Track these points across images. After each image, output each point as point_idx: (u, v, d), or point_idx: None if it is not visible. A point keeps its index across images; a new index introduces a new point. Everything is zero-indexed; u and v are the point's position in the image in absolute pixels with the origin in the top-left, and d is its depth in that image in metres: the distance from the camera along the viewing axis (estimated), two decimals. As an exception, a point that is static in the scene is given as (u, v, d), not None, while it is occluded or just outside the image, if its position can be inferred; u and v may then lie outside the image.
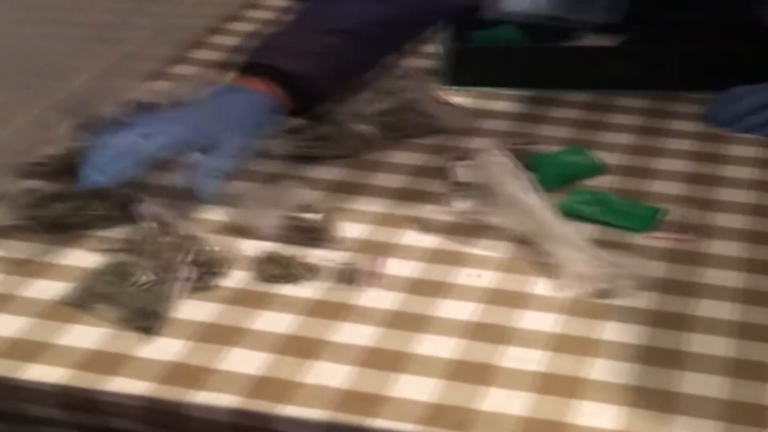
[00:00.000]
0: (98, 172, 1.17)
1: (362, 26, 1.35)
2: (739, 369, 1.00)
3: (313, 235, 1.20)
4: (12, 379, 0.99)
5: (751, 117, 1.43)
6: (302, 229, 1.20)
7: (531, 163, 1.31)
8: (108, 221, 1.22)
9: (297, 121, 1.39)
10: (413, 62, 1.61)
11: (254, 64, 1.31)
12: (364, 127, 1.38)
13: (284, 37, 1.35)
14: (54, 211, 1.22)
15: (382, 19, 1.36)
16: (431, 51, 1.65)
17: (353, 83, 1.40)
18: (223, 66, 1.44)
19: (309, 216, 1.21)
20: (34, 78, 1.33)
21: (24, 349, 1.02)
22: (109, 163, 1.18)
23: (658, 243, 1.19)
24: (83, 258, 1.16)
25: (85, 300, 1.08)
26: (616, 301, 1.09)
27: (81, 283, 1.10)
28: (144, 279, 1.10)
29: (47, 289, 1.11)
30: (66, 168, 1.31)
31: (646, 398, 0.97)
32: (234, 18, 1.80)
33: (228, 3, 1.82)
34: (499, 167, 1.21)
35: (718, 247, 1.19)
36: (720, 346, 1.03)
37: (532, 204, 1.18)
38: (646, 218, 1.22)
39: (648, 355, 1.02)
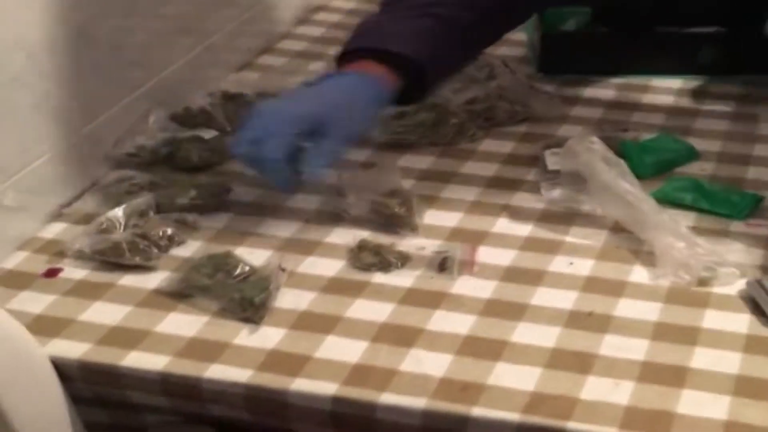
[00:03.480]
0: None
1: (473, 10, 1.27)
2: None
3: (394, 221, 1.19)
4: (114, 366, 1.00)
5: None
6: (385, 215, 1.20)
7: (624, 150, 1.29)
8: (202, 209, 1.23)
9: (391, 109, 1.39)
10: (503, 50, 1.61)
11: (365, 48, 1.24)
12: (457, 115, 1.38)
13: (393, 20, 1.28)
14: (147, 200, 1.23)
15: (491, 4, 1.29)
16: (520, 39, 1.65)
17: (456, 70, 1.36)
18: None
19: (393, 203, 1.20)
20: (123, 69, 1.35)
21: (125, 337, 1.03)
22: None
23: (757, 230, 1.16)
24: (180, 249, 1.17)
25: (183, 291, 1.09)
26: (716, 289, 1.07)
27: (179, 275, 1.11)
28: (241, 270, 1.10)
29: (146, 279, 1.12)
30: (158, 157, 1.33)
31: (751, 387, 0.95)
32: (320, 8, 1.80)
33: (312, -6, 1.82)
34: (591, 155, 1.20)
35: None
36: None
37: (628, 191, 1.16)
38: (745, 205, 1.20)
39: (751, 344, 1.00)
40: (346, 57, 1.26)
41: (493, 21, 1.30)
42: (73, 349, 1.02)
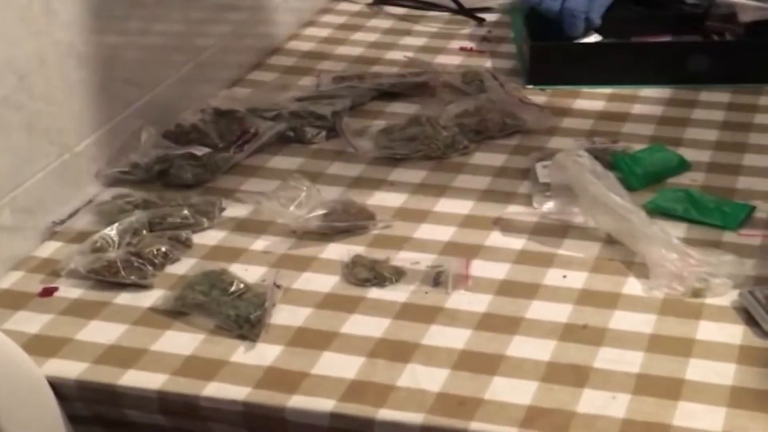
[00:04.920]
0: None
1: None
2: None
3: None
4: (111, 385, 1.00)
5: None
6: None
7: (615, 161, 1.30)
8: (195, 227, 1.23)
9: (381, 123, 1.41)
10: (492, 63, 1.62)
11: None
12: (449, 129, 1.39)
13: None
14: (140, 218, 1.23)
15: None
16: (510, 51, 1.65)
17: None
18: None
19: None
20: (115, 87, 1.35)
21: (122, 356, 1.04)
22: None
23: (749, 240, 1.17)
24: (175, 266, 1.17)
25: (179, 309, 1.09)
26: (710, 300, 1.08)
27: (175, 293, 1.11)
28: (236, 287, 1.10)
29: (141, 297, 1.12)
30: (151, 175, 1.33)
31: (746, 398, 0.95)
32: (310, 23, 1.81)
33: (304, 9, 1.82)
34: (579, 168, 1.21)
35: (811, 243, 1.17)
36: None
37: (617, 204, 1.17)
38: (737, 215, 1.21)
39: (745, 355, 1.01)
40: None
41: None
42: (71, 369, 1.02)
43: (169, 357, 1.03)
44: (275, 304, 1.09)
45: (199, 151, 1.37)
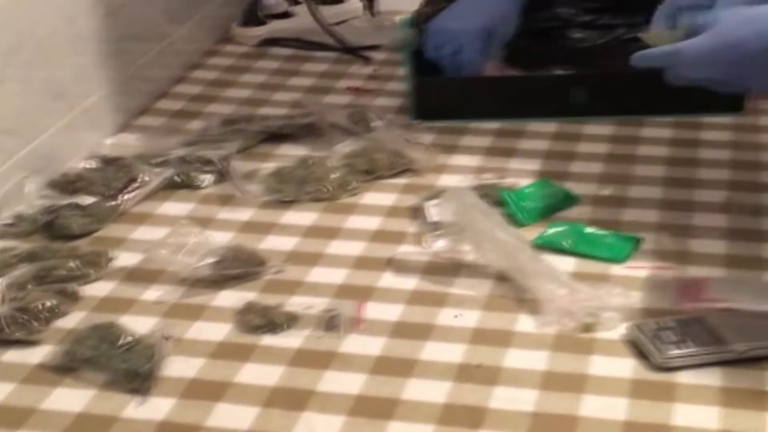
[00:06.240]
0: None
1: None
2: (730, 398, 1.00)
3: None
4: (-2, 449, 0.98)
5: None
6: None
7: (503, 197, 1.31)
8: (83, 279, 1.21)
9: (270, 167, 1.40)
10: (380, 101, 1.62)
11: None
12: (337, 170, 1.39)
13: None
14: (25, 272, 1.20)
15: None
16: (398, 89, 1.66)
17: None
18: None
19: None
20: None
21: (9, 417, 1.01)
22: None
23: (636, 273, 1.19)
24: (63, 320, 1.15)
25: (68, 364, 1.07)
26: (600, 335, 1.09)
27: (63, 348, 1.09)
28: (125, 339, 1.08)
29: (29, 354, 1.10)
30: (37, 227, 1.31)
31: (639, 432, 0.97)
32: (196, 66, 1.80)
33: (190, 51, 1.81)
34: (468, 205, 1.22)
35: (697, 273, 1.19)
36: (714, 376, 1.03)
37: (504, 240, 1.18)
38: (624, 248, 1.22)
39: (637, 389, 1.02)
40: None
41: None
42: (-45, 434, 1.00)
43: (58, 415, 1.01)
44: (166, 356, 1.07)
45: (86, 200, 1.35)
